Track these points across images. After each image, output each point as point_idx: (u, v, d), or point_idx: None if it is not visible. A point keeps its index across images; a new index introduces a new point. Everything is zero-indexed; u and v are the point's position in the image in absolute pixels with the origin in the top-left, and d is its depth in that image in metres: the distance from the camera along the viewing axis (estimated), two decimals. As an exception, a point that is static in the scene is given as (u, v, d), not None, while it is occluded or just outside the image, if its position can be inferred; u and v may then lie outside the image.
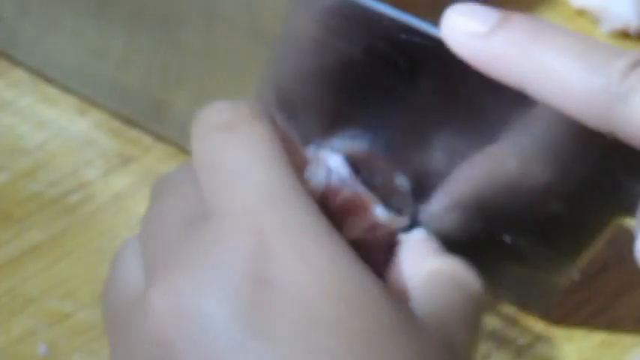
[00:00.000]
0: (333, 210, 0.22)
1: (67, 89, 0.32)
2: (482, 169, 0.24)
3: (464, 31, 0.20)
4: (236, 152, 0.20)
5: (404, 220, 0.24)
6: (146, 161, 0.31)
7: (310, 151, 0.24)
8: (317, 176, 0.23)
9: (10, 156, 0.31)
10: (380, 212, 0.23)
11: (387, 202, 0.24)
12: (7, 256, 0.29)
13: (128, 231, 0.30)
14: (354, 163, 0.24)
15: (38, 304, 0.29)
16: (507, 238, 0.26)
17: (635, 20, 0.34)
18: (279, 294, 0.18)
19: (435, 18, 0.22)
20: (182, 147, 0.32)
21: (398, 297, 0.20)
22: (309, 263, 0.18)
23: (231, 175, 0.20)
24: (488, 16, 0.20)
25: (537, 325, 0.29)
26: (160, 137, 0.32)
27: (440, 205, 0.26)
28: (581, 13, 0.37)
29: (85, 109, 0.32)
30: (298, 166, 0.21)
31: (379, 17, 0.23)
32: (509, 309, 0.30)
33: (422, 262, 0.22)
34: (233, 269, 0.18)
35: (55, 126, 0.31)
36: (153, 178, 0.31)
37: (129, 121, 0.32)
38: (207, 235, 0.19)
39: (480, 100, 0.23)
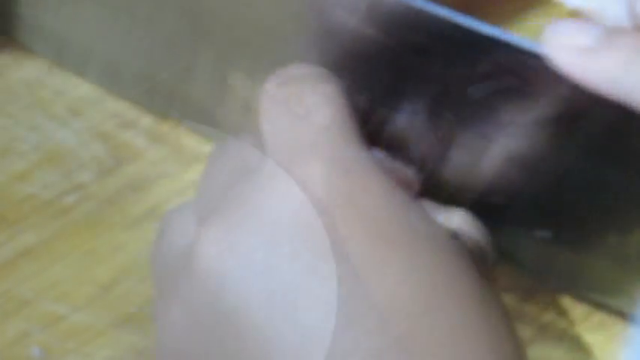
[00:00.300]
0: None
1: (60, 92, 0.32)
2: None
3: (570, 47, 0.21)
4: (307, 95, 0.22)
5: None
6: (139, 164, 0.31)
7: None
8: None
9: (3, 158, 0.31)
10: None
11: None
12: (1, 258, 0.29)
13: (123, 232, 0.30)
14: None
15: (32, 307, 0.29)
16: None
17: (628, 21, 0.34)
18: (340, 216, 0.19)
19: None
20: (177, 148, 0.32)
21: None
22: (367, 189, 0.20)
23: (296, 114, 0.22)
24: (594, 31, 0.21)
25: (529, 327, 0.29)
26: (155, 139, 0.32)
27: None
28: (575, 14, 0.37)
29: (79, 112, 0.32)
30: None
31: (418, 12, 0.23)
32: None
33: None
34: (289, 198, 0.19)
35: (48, 128, 0.31)
36: (146, 180, 0.31)
37: (125, 123, 0.32)
38: (263, 173, 0.20)
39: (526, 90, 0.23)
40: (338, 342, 0.18)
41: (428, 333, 0.18)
